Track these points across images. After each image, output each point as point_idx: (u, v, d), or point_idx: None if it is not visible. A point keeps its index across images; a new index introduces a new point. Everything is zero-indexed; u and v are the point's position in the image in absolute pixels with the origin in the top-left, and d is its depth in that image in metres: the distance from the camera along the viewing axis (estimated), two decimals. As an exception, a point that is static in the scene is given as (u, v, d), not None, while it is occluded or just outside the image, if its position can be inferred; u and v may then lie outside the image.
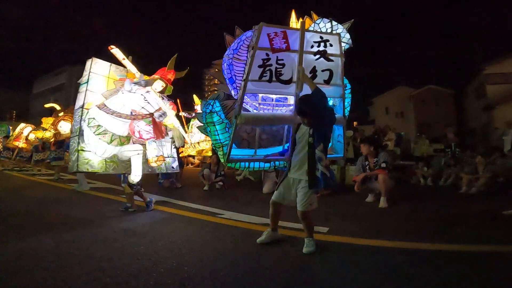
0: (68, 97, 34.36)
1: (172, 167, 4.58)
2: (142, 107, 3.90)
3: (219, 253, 2.66)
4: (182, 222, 3.79)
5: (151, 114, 3.96)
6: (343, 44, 3.54)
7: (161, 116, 4.01)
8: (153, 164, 4.13)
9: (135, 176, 3.97)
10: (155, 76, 4.22)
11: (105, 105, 3.77)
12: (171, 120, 4.26)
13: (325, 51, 3.30)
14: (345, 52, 3.62)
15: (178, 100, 13.96)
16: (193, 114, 13.19)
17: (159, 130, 4.04)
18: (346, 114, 3.56)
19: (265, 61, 3.14)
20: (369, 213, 4.44)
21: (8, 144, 10.40)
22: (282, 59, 3.16)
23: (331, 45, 3.31)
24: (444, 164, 7.68)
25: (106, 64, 4.08)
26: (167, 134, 4.45)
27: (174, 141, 4.63)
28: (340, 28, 3.63)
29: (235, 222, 3.73)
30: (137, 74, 4.02)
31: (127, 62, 3.97)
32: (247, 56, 3.31)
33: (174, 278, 2.13)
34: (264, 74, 3.15)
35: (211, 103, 3.38)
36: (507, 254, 2.70)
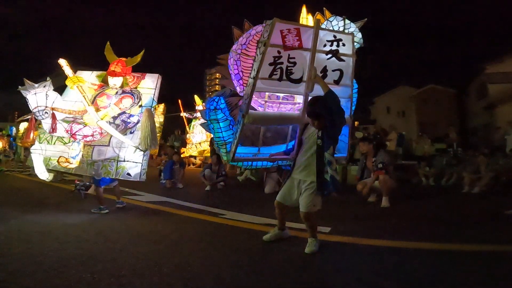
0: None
1: (128, 174, 4.04)
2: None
3: (221, 253, 2.67)
4: (184, 223, 3.80)
5: (32, 113, 4.07)
6: (354, 44, 3.48)
7: (38, 112, 3.91)
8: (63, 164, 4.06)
9: (36, 173, 4.05)
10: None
11: None
12: (89, 117, 3.97)
13: (337, 51, 3.19)
14: (356, 52, 3.55)
15: (179, 101, 14.04)
16: (195, 115, 13.24)
17: (29, 129, 4.26)
18: (352, 114, 3.54)
19: (276, 59, 3.01)
20: (371, 213, 4.44)
21: (25, 144, 10.40)
22: (294, 58, 3.04)
23: (343, 45, 3.20)
24: (446, 164, 7.66)
25: (87, 73, 4.30)
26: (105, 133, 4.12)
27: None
28: (352, 27, 3.49)
29: (237, 222, 3.73)
30: (71, 74, 4.07)
31: (65, 67, 4.08)
32: (256, 52, 3.16)
33: (177, 278, 2.14)
34: (275, 73, 3.04)
35: (216, 100, 3.29)
36: (509, 254, 2.69)
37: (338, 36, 3.21)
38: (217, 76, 69.46)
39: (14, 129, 11.85)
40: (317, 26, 3.07)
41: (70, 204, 4.80)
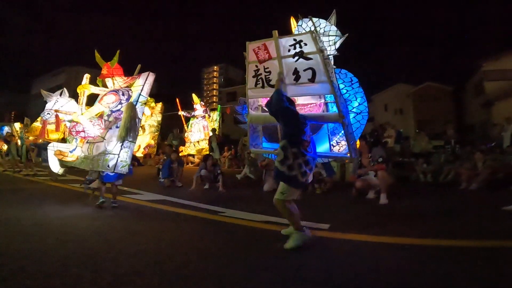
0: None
1: (108, 166, 4.19)
2: None
3: (221, 251, 2.68)
4: (183, 221, 3.81)
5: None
6: (331, 38, 3.71)
7: (43, 113, 4.74)
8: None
9: (50, 166, 4.77)
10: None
11: None
12: (75, 115, 4.54)
13: (302, 52, 3.48)
14: (341, 46, 3.79)
15: (177, 100, 14.01)
16: (192, 113, 13.20)
17: (44, 128, 5.07)
18: (363, 111, 3.76)
19: (256, 71, 3.76)
20: (370, 209, 4.47)
21: (28, 142, 10.33)
22: (268, 67, 3.67)
23: (305, 44, 3.47)
24: (444, 161, 7.69)
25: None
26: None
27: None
28: (323, 23, 3.82)
29: (236, 220, 3.74)
30: (83, 83, 4.82)
31: (84, 79, 4.88)
32: None
33: (178, 276, 2.15)
34: (258, 82, 3.78)
35: (245, 107, 4.44)
36: (507, 250, 2.72)
37: (298, 38, 3.57)
38: (214, 75, 71.12)
39: (6, 128, 11.71)
40: (275, 37, 3.50)
41: (70, 203, 4.79)
